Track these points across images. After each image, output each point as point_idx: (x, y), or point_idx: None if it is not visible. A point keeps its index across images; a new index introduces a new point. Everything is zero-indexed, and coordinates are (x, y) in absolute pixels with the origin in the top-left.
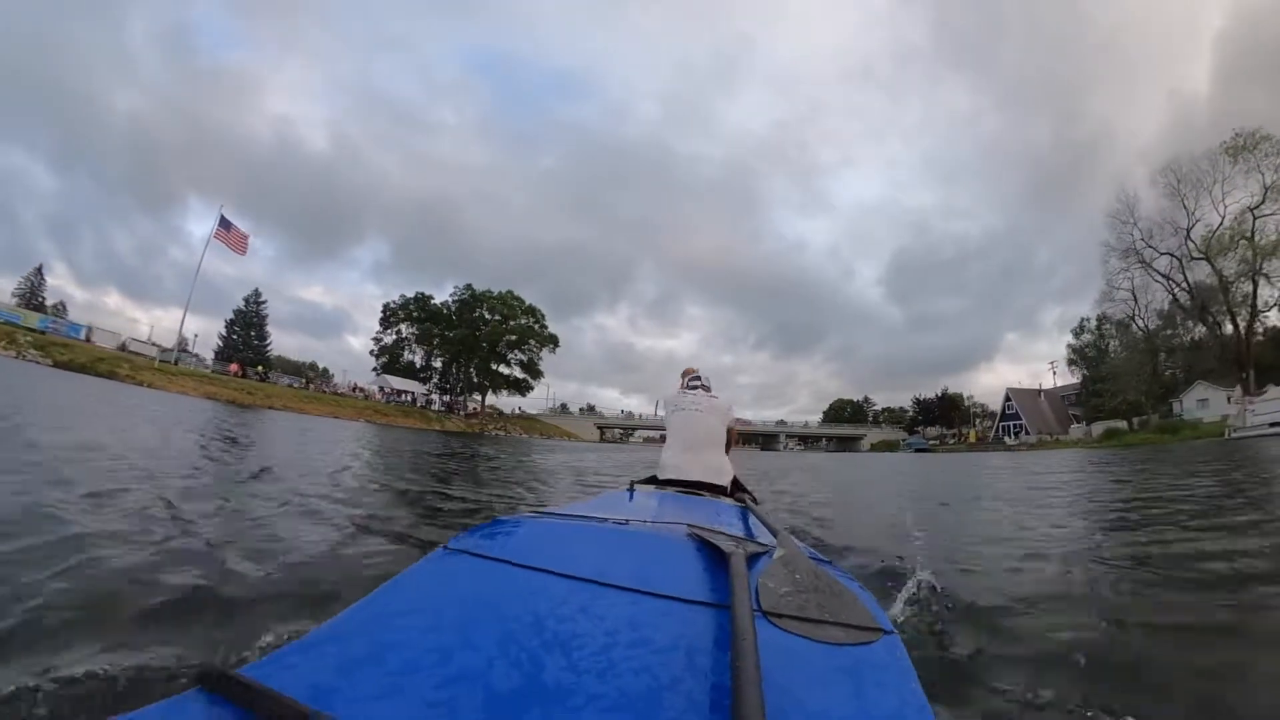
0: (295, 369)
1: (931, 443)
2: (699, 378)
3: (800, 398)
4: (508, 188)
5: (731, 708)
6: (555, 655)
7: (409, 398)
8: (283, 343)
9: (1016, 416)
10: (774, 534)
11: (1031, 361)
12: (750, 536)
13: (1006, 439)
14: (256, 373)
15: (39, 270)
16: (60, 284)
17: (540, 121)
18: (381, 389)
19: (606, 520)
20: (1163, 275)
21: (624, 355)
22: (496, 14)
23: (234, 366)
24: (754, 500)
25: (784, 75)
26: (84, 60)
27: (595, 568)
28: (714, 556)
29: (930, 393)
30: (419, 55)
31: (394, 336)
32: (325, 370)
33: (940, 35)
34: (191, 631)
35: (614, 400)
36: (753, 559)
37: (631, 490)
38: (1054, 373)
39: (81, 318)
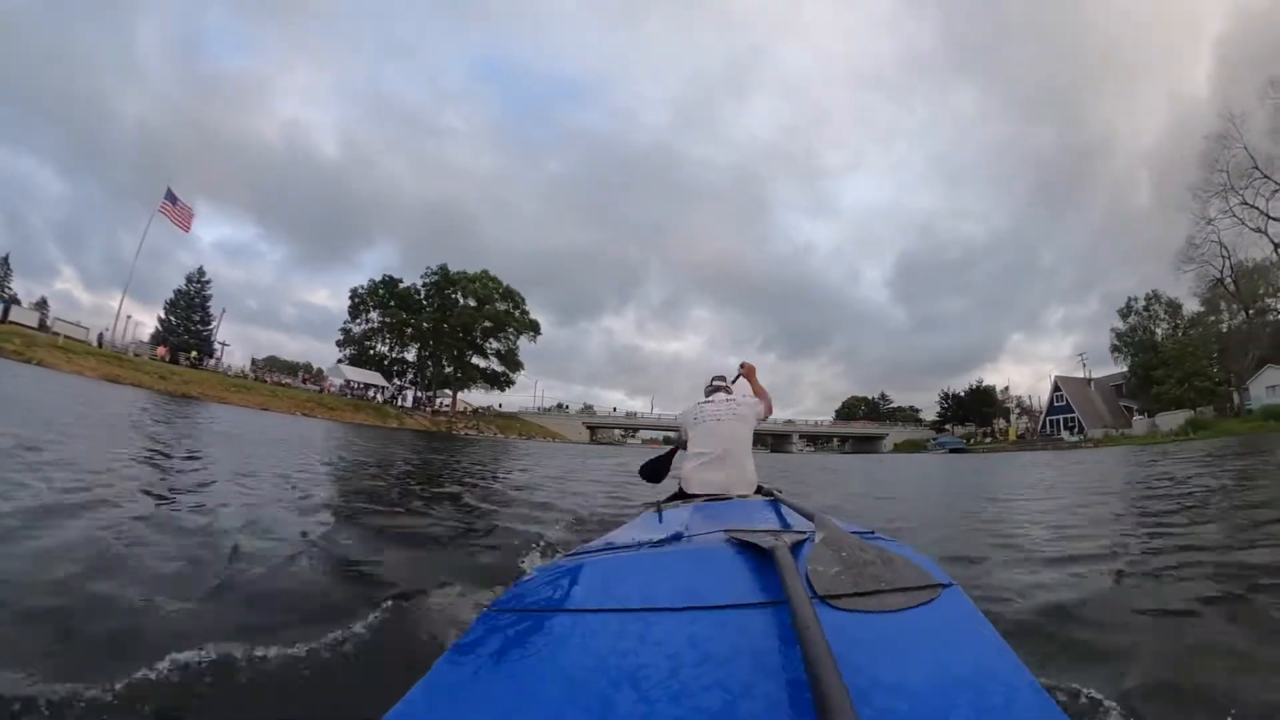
0: (250, 362)
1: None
2: (723, 378)
3: (807, 399)
4: (516, 192)
5: (814, 699)
6: (624, 691)
7: (374, 392)
8: (288, 345)
9: (1067, 409)
10: (810, 518)
11: (1035, 361)
12: (787, 526)
13: (1065, 434)
14: (188, 358)
15: (4, 260)
16: (68, 287)
17: (549, 127)
18: (348, 382)
19: (641, 546)
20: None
21: (630, 358)
22: (506, 22)
23: (161, 350)
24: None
25: (793, 82)
26: (94, 67)
27: (643, 596)
28: (757, 555)
29: (935, 391)
30: (428, 62)
31: (364, 326)
32: (319, 370)
33: (947, 41)
34: None
35: (619, 402)
36: (796, 548)
37: (659, 510)
38: (1084, 364)
39: (87, 320)
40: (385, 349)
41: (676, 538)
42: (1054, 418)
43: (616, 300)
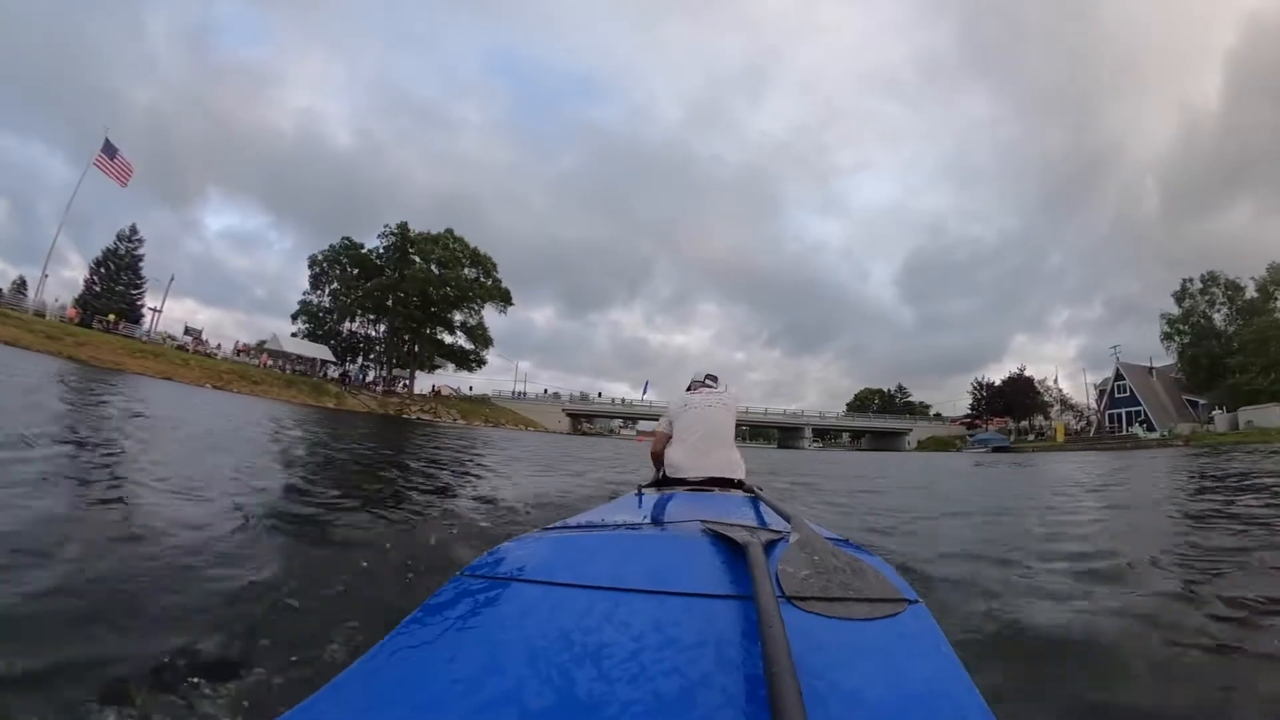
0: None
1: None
2: (715, 377)
3: (810, 395)
4: (528, 186)
5: (768, 696)
6: (586, 667)
7: (325, 369)
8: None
9: (1131, 401)
10: (787, 519)
11: (1039, 363)
12: (764, 524)
13: (1138, 430)
14: (103, 321)
15: None
16: (75, 275)
17: (562, 122)
18: (298, 357)
19: (619, 526)
20: None
21: (637, 350)
22: (521, 17)
23: (71, 311)
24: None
25: (807, 82)
26: (105, 57)
27: (614, 575)
28: (731, 549)
29: (940, 390)
30: (442, 55)
31: (328, 299)
32: (262, 343)
33: (961, 45)
34: None
35: (624, 396)
36: (769, 546)
37: (640, 494)
38: (1116, 358)
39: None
40: (346, 323)
41: (654, 522)
42: (1115, 411)
43: (625, 294)
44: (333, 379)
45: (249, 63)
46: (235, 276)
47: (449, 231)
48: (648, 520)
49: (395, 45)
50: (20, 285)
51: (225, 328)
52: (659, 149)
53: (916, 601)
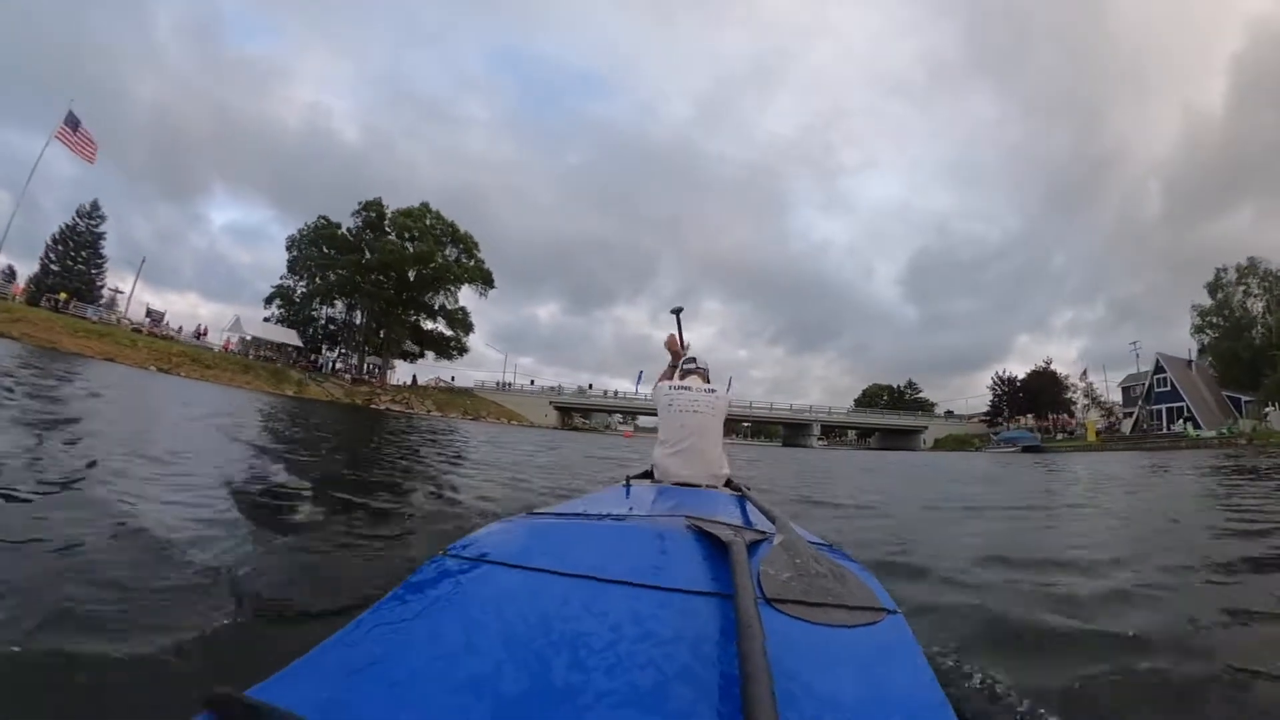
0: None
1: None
2: (694, 359)
3: (813, 393)
4: (535, 182)
5: (741, 696)
6: (562, 654)
7: (295, 356)
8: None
9: (1173, 396)
10: (772, 520)
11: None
12: (749, 524)
13: (1186, 428)
14: (53, 299)
15: None
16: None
17: (569, 118)
18: (268, 342)
19: (604, 516)
20: None
21: (640, 347)
22: (529, 13)
23: (17, 288)
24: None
25: (815, 81)
26: (111, 52)
27: (596, 564)
28: (714, 546)
29: (943, 389)
30: (449, 51)
31: (304, 284)
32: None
33: (970, 47)
34: None
35: (617, 389)
36: (753, 546)
37: (627, 485)
38: (1137, 355)
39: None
40: (323, 308)
41: (639, 514)
42: (1156, 407)
43: (629, 290)
44: (300, 365)
45: (256, 58)
46: (239, 270)
47: (425, 205)
48: (633, 512)
49: (403, 41)
50: (10, 274)
51: (226, 321)
52: (666, 146)
53: (895, 612)
